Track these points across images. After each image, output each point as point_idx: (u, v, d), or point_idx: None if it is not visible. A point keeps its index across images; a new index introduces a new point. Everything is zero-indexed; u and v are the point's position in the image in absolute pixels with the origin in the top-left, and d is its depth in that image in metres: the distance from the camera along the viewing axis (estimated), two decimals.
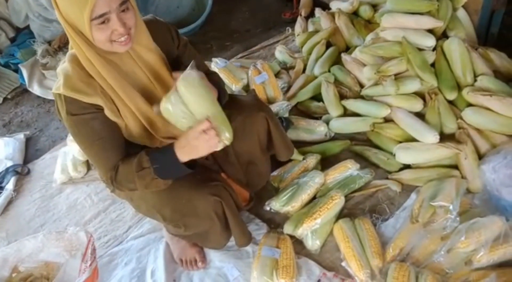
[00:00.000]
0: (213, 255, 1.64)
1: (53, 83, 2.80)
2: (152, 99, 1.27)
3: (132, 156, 1.26)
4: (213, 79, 1.33)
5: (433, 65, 1.97)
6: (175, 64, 1.35)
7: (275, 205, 1.69)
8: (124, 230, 1.83)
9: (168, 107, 1.17)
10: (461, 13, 2.14)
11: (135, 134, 1.30)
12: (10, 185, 2.14)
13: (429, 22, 2.00)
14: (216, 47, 2.94)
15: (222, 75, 2.27)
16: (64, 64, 1.22)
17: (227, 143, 1.18)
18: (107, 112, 1.22)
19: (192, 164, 1.23)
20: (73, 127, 1.23)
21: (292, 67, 2.46)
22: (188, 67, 1.18)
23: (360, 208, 1.73)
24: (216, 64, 2.33)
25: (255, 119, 1.48)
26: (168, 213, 1.35)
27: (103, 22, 1.09)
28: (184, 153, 1.20)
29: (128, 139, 1.31)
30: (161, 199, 1.34)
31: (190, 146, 1.18)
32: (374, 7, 2.38)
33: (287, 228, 1.63)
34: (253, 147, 1.49)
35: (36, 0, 3.02)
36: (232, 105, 1.41)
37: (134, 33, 1.17)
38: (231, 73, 2.29)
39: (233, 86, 2.25)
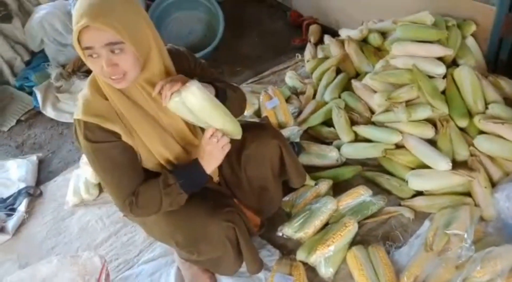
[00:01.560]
0: (225, 280, 1.63)
1: (67, 106, 2.87)
2: (157, 128, 1.29)
3: (150, 179, 1.28)
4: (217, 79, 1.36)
5: (443, 92, 1.99)
6: None
7: (288, 230, 1.69)
8: (135, 254, 1.83)
9: (177, 106, 1.18)
10: (470, 41, 2.16)
11: (147, 163, 1.33)
12: (22, 207, 2.15)
13: (439, 50, 2.03)
14: (227, 73, 2.99)
15: None
16: (83, 90, 1.25)
17: (238, 137, 1.29)
18: (125, 138, 1.24)
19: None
20: (91, 154, 1.24)
21: (302, 93, 2.49)
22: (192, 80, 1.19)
23: (373, 235, 1.72)
24: None
25: (268, 146, 1.49)
26: (182, 239, 1.35)
27: (91, 55, 1.10)
28: (207, 162, 1.27)
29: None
30: (175, 225, 1.35)
31: (206, 153, 1.24)
32: (383, 34, 2.42)
33: (300, 255, 1.62)
34: (265, 173, 1.51)
35: (51, 25, 3.10)
36: (245, 132, 1.43)
37: (133, 75, 1.16)
38: None
39: (245, 111, 2.27)
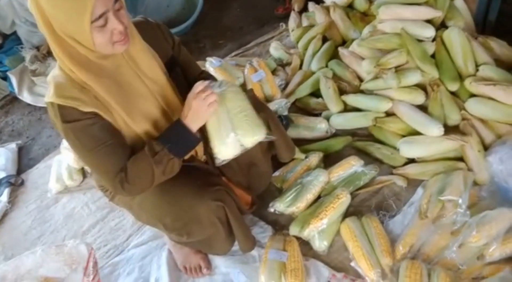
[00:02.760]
0: (218, 261, 1.59)
1: (43, 90, 2.76)
2: (147, 102, 1.24)
3: (138, 150, 1.21)
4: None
5: (433, 56, 1.93)
6: (171, 64, 1.32)
7: (279, 206, 1.65)
8: (125, 239, 1.78)
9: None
10: (459, 2, 2.10)
11: (129, 140, 1.26)
12: (4, 197, 2.08)
13: (427, 12, 1.96)
14: (209, 46, 2.88)
15: (218, 75, 2.22)
16: (55, 72, 1.17)
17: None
18: (104, 116, 1.17)
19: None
20: (71, 135, 1.17)
21: (289, 64, 2.42)
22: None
23: (366, 205, 1.69)
24: (211, 64, 2.28)
25: None
26: (170, 222, 1.31)
27: (103, 24, 1.06)
28: (190, 121, 1.19)
29: None
30: (161, 208, 1.30)
31: (191, 109, 1.18)
32: None
33: (293, 230, 1.59)
34: (253, 149, 1.45)
35: (22, 5, 2.94)
36: None
37: (129, 31, 1.14)
38: (227, 72, 2.24)
39: None
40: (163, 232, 1.48)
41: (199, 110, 1.17)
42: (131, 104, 1.20)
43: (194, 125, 1.20)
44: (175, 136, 1.20)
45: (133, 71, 1.21)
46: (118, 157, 1.20)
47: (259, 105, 1.45)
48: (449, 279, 1.34)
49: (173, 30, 2.84)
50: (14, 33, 3.14)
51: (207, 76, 1.49)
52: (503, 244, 1.38)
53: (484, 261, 1.39)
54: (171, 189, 1.27)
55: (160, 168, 1.19)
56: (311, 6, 2.61)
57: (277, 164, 1.78)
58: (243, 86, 2.25)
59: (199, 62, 2.33)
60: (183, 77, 1.37)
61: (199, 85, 1.18)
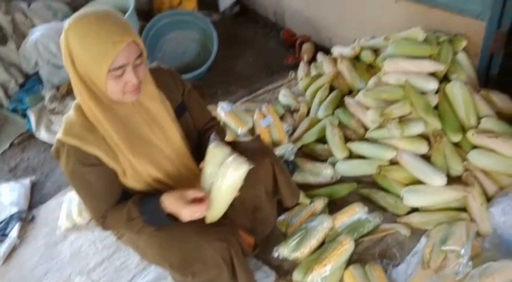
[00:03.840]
0: None
1: (59, 128, 2.85)
2: (154, 148, 1.32)
3: (122, 204, 1.31)
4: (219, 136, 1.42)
5: (436, 108, 1.99)
6: (181, 110, 1.40)
7: (284, 251, 1.66)
8: (129, 279, 1.79)
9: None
10: (462, 56, 2.17)
11: (136, 184, 1.34)
12: (14, 232, 2.11)
13: (430, 66, 2.04)
14: (221, 92, 2.99)
15: (228, 119, 2.30)
16: (69, 112, 1.26)
17: (210, 220, 1.31)
18: (107, 160, 1.25)
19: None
20: (69, 175, 1.28)
21: (296, 111, 2.50)
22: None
23: (370, 253, 1.69)
24: (222, 108, 2.37)
25: (261, 165, 1.48)
26: (176, 261, 1.33)
27: (120, 74, 1.15)
28: (171, 211, 1.26)
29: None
30: (168, 247, 1.33)
31: (175, 207, 1.24)
32: (376, 51, 2.44)
33: (297, 276, 1.59)
34: (258, 193, 1.49)
35: (46, 47, 3.11)
36: (237, 151, 1.42)
37: (143, 83, 1.23)
38: (237, 116, 2.32)
39: (239, 129, 2.27)
40: (168, 272, 1.50)
41: (181, 214, 1.24)
42: (139, 148, 1.28)
43: (170, 211, 1.27)
44: (153, 212, 1.29)
45: (142, 118, 1.30)
46: (102, 204, 1.32)
47: (265, 151, 1.51)
48: None
49: (188, 76, 3.01)
50: (36, 73, 3.29)
51: (215, 124, 1.57)
52: None
53: None
54: (177, 228, 1.30)
55: (132, 230, 1.33)
56: (320, 56, 2.72)
57: (282, 208, 1.81)
58: (252, 130, 2.32)
59: (211, 106, 2.43)
60: (191, 123, 1.46)
61: (193, 194, 1.25)
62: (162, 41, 3.26)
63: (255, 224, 1.59)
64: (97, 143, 1.23)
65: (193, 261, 1.30)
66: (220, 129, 1.59)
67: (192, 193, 1.25)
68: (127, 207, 1.29)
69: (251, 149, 1.53)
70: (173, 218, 1.27)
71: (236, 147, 1.49)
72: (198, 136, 1.52)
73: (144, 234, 1.35)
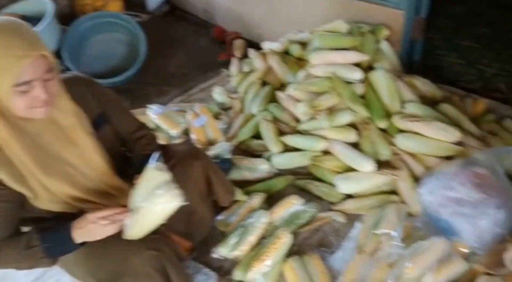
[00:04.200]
0: None
1: None
2: (67, 166, 1.22)
3: (20, 234, 1.21)
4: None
5: (363, 97, 2.05)
6: (100, 121, 1.32)
7: (223, 250, 1.65)
8: None
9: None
10: (384, 45, 2.26)
11: (52, 204, 1.24)
12: None
13: (355, 57, 2.10)
14: (154, 93, 2.90)
15: (160, 122, 2.24)
16: None
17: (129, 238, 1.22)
18: (12, 184, 1.15)
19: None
20: None
21: (231, 108, 2.48)
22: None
23: (309, 244, 1.71)
24: (152, 111, 2.30)
25: (192, 168, 1.45)
26: (103, 276, 1.26)
27: (26, 90, 1.05)
28: (80, 234, 1.19)
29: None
30: (94, 262, 1.26)
31: (85, 228, 1.17)
32: (304, 45, 2.47)
33: (238, 274, 1.58)
34: (191, 196, 1.46)
35: None
36: (167, 155, 1.38)
37: (55, 97, 1.14)
38: (169, 118, 2.27)
39: (172, 131, 2.21)
40: None
41: (93, 232, 1.18)
42: (51, 167, 1.19)
43: (82, 239, 1.20)
44: (57, 240, 1.20)
45: (54, 135, 1.19)
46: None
47: (196, 154, 1.48)
48: None
49: (117, 79, 2.90)
50: None
51: (146, 133, 1.49)
52: (437, 273, 1.43)
53: None
54: (104, 240, 1.22)
55: (28, 262, 1.22)
56: (251, 52, 2.72)
57: (220, 207, 1.79)
58: (186, 131, 2.27)
59: (142, 110, 2.35)
60: (113, 134, 1.38)
61: (103, 212, 1.18)
62: (87, 44, 3.10)
63: (190, 228, 1.55)
64: (1, 165, 1.12)
65: (121, 275, 1.24)
66: (151, 137, 1.52)
67: (110, 210, 1.19)
68: (27, 234, 1.20)
69: (181, 152, 1.50)
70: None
71: (166, 150, 1.45)
72: (129, 146, 1.45)
73: None
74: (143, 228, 1.22)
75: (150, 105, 2.35)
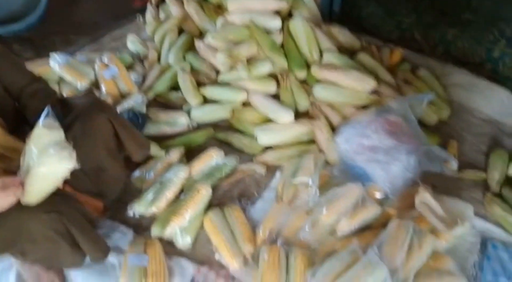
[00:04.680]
0: (75, 275, 1.46)
1: None
2: None
3: None
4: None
5: (282, 46, 2.01)
6: None
7: (138, 208, 1.58)
8: None
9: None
10: None
11: None
12: None
13: (273, 3, 2.03)
14: (59, 42, 2.61)
15: (64, 73, 2.03)
16: None
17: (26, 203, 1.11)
18: None
19: None
20: None
21: (147, 58, 2.32)
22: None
23: (229, 196, 1.70)
24: (55, 61, 2.06)
25: (95, 122, 1.33)
26: (2, 245, 1.14)
27: None
28: None
29: None
30: None
31: None
32: None
33: (155, 230, 1.53)
34: (98, 153, 1.35)
35: None
36: (67, 110, 1.25)
37: None
38: (75, 69, 2.05)
39: (79, 83, 2.02)
40: None
41: None
42: None
43: None
44: None
45: None
46: None
47: (99, 107, 1.36)
48: (305, 258, 1.40)
49: (17, 26, 2.57)
50: None
51: (40, 86, 1.34)
52: (351, 218, 1.49)
53: (335, 236, 1.49)
54: None
55: None
56: None
57: (136, 163, 1.70)
58: (96, 84, 2.09)
59: (44, 60, 2.11)
60: (2, 89, 1.23)
61: (7, 180, 1.06)
62: None
63: (101, 187, 1.45)
64: None
65: (17, 240, 1.13)
66: (46, 91, 1.37)
67: (5, 179, 1.06)
68: None
69: (83, 106, 1.36)
70: None
71: (65, 104, 1.31)
72: (22, 103, 1.30)
73: None
74: (38, 191, 1.11)
75: (52, 54, 2.11)
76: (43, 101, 1.27)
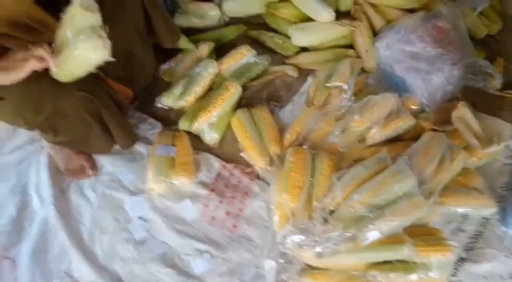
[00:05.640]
0: (103, 160, 1.49)
1: None
2: None
3: None
4: None
5: None
6: None
7: (167, 100, 1.56)
8: None
9: None
10: None
11: None
12: None
13: None
14: None
15: None
16: None
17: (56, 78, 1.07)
18: None
19: None
20: None
21: None
22: None
23: (258, 97, 1.65)
24: None
25: (127, 1, 1.24)
26: (30, 116, 1.14)
27: None
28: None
29: None
30: (21, 98, 1.12)
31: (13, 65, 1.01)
32: None
33: (183, 124, 1.53)
34: (128, 34, 1.27)
35: None
36: None
37: None
38: None
39: None
40: (26, 130, 1.31)
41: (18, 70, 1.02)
42: None
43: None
44: None
45: None
46: None
47: None
48: (331, 162, 1.37)
49: None
50: None
51: None
52: (383, 127, 1.43)
53: (365, 144, 1.45)
54: (35, 78, 1.08)
55: None
56: None
57: (165, 56, 1.65)
58: None
59: None
60: None
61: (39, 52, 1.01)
62: None
63: (130, 73, 1.40)
64: None
65: (50, 115, 1.12)
66: None
67: (38, 51, 1.01)
68: None
69: None
70: None
71: None
72: None
73: None
74: (70, 71, 1.07)
75: None
76: None
